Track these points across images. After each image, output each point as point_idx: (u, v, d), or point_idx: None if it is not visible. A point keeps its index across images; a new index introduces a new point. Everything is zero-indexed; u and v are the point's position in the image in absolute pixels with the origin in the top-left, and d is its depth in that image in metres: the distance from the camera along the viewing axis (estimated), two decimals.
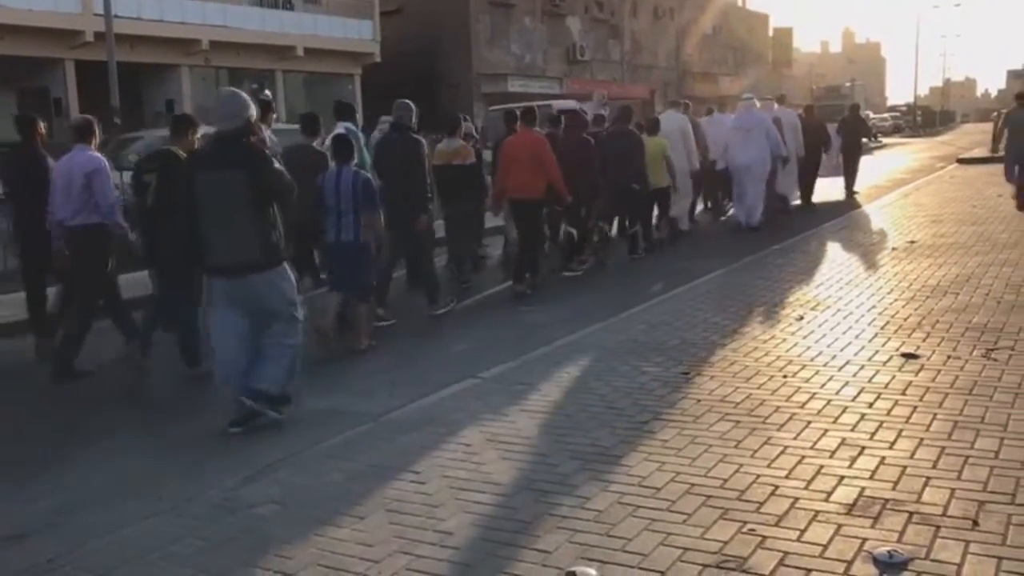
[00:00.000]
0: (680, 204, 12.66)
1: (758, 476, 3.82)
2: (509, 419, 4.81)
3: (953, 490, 3.56)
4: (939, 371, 5.21)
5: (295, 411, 5.63)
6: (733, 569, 3.05)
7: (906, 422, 4.39)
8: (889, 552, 3.07)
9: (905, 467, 3.83)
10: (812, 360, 5.62)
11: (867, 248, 10.23)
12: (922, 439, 4.15)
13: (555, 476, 3.96)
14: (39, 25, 22.72)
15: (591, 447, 4.29)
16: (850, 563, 3.04)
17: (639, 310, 7.45)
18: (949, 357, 5.49)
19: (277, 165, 5.35)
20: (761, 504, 3.55)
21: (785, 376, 5.30)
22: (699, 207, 14.57)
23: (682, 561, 3.12)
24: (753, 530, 3.32)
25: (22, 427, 5.92)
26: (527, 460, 4.19)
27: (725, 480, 3.80)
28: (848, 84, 60.73)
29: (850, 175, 17.45)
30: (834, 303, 7.24)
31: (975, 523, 3.27)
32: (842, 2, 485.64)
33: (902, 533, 3.23)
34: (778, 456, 4.05)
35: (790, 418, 4.55)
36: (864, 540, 3.19)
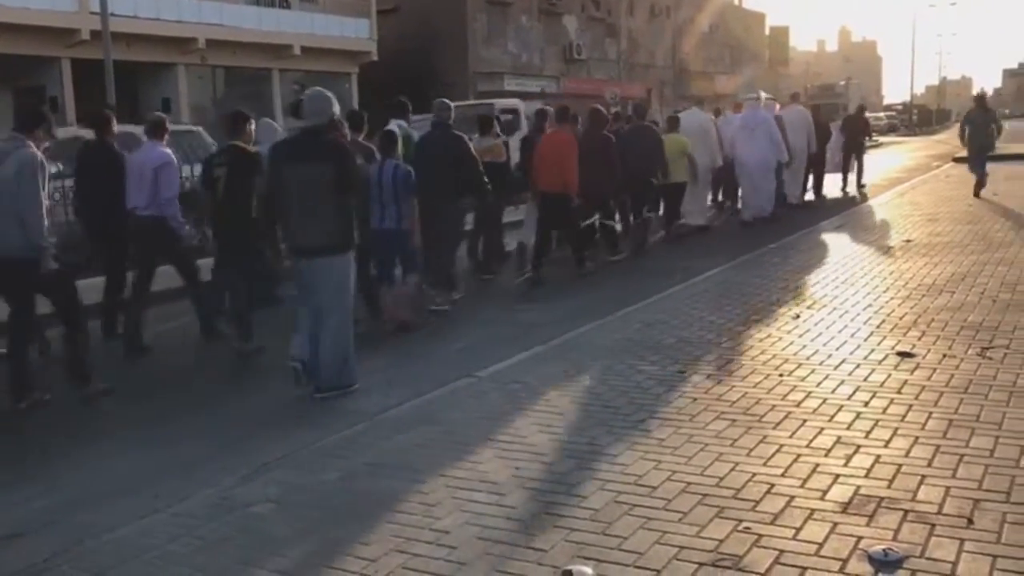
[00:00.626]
0: (696, 202, 13.02)
1: (754, 474, 3.83)
2: (505, 418, 4.81)
3: (948, 488, 3.57)
4: (935, 370, 5.22)
5: (292, 410, 5.65)
6: (728, 567, 3.06)
7: (901, 420, 4.40)
8: (884, 550, 3.08)
9: (900, 465, 3.84)
10: (808, 359, 5.63)
11: (863, 246, 10.25)
12: (917, 437, 4.16)
13: (551, 474, 3.97)
14: (35, 24, 22.69)
15: (587, 445, 4.30)
16: (845, 561, 3.05)
17: (635, 309, 7.45)
18: (945, 356, 5.50)
19: (358, 160, 5.89)
20: (757, 502, 3.55)
21: (781, 375, 5.31)
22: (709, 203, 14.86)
23: (678, 559, 3.13)
24: (749, 528, 3.33)
25: (18, 425, 5.92)
26: (523, 458, 4.19)
27: (721, 478, 3.81)
28: (842, 83, 60.82)
29: (857, 171, 17.88)
30: (830, 301, 7.25)
31: (970, 521, 3.28)
32: (838, 1, 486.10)
33: (897, 531, 3.24)
34: (774, 454, 4.05)
35: (786, 416, 4.56)
36: (859, 538, 3.20)
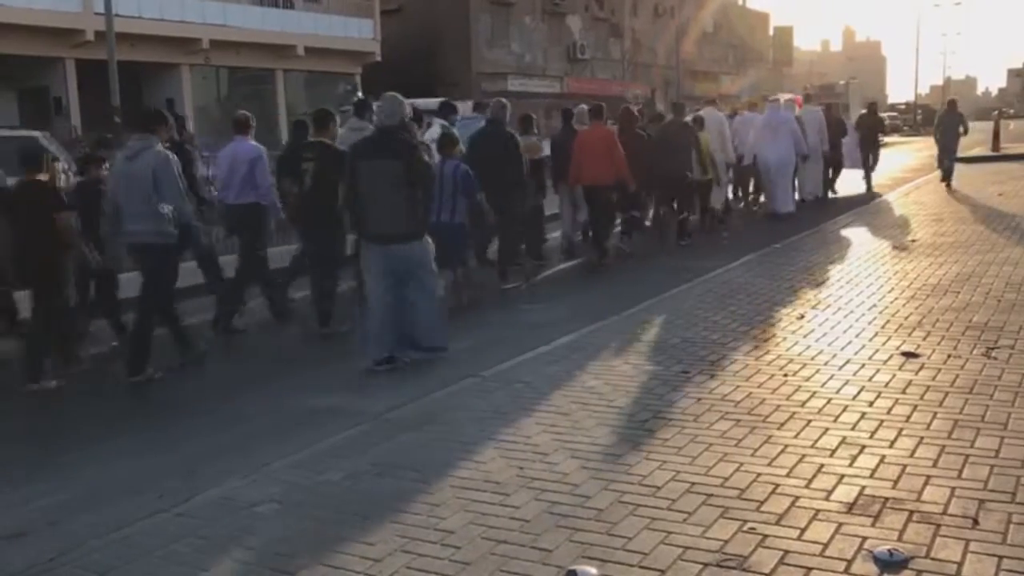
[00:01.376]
0: (716, 196, 13.61)
1: (758, 475, 3.82)
2: (509, 418, 4.81)
3: (953, 489, 3.56)
4: (939, 370, 5.20)
5: (296, 410, 5.65)
6: (733, 568, 3.05)
7: (906, 421, 4.39)
8: (889, 551, 3.07)
9: (905, 466, 3.83)
10: (812, 359, 5.62)
11: (868, 246, 10.23)
12: (922, 438, 4.15)
13: (555, 475, 3.96)
14: (39, 24, 22.72)
15: (591, 446, 4.30)
16: (850, 562, 3.04)
17: (639, 309, 7.44)
18: (949, 356, 5.49)
19: (425, 157, 6.53)
20: (761, 503, 3.55)
21: (785, 375, 5.30)
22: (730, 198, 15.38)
23: (682, 560, 3.12)
24: (753, 529, 3.32)
25: (21, 425, 5.93)
26: (527, 459, 4.19)
27: (725, 479, 3.80)
28: (842, 83, 60.77)
29: (869, 168, 18.37)
30: (834, 301, 7.24)
31: (975, 522, 3.27)
32: (843, 1, 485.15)
33: (902, 532, 3.23)
34: (778, 455, 4.05)
35: (790, 417, 4.55)
36: (864, 539, 3.19)
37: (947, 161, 17.17)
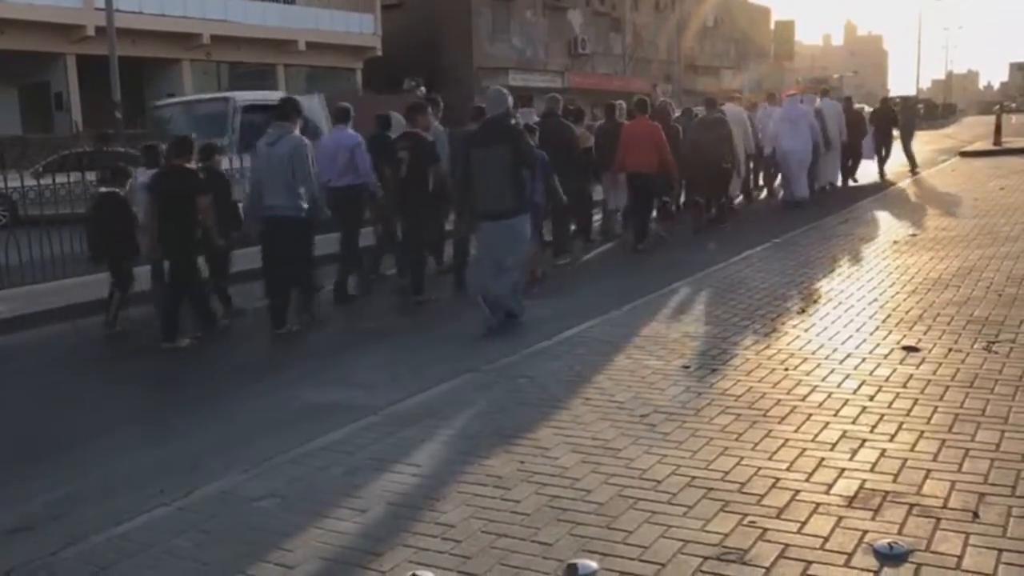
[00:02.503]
0: (734, 189, 14.24)
1: (759, 469, 3.83)
2: (510, 412, 4.82)
3: (953, 482, 3.56)
4: (940, 364, 5.20)
5: (296, 405, 5.66)
6: (733, 561, 3.06)
7: (907, 415, 4.39)
8: (890, 544, 3.08)
9: (906, 459, 3.83)
10: (813, 353, 5.62)
11: (868, 241, 10.22)
12: (923, 432, 4.15)
13: (556, 469, 3.97)
14: (40, 20, 22.73)
15: (592, 440, 4.30)
16: (851, 555, 3.05)
17: (640, 304, 7.45)
18: (950, 350, 5.48)
19: (531, 142, 7.32)
20: (762, 497, 3.55)
21: (786, 369, 5.30)
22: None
23: (682, 553, 3.13)
24: (754, 522, 3.33)
25: (22, 421, 5.94)
26: (528, 453, 4.19)
27: (726, 473, 3.80)
28: (836, 76, 60.92)
29: (882, 160, 19.19)
30: (835, 296, 7.24)
31: (975, 515, 3.27)
32: None
33: (902, 525, 3.24)
34: (779, 449, 4.05)
35: (791, 411, 4.55)
36: (865, 532, 3.20)
37: (908, 152, 19.27)
